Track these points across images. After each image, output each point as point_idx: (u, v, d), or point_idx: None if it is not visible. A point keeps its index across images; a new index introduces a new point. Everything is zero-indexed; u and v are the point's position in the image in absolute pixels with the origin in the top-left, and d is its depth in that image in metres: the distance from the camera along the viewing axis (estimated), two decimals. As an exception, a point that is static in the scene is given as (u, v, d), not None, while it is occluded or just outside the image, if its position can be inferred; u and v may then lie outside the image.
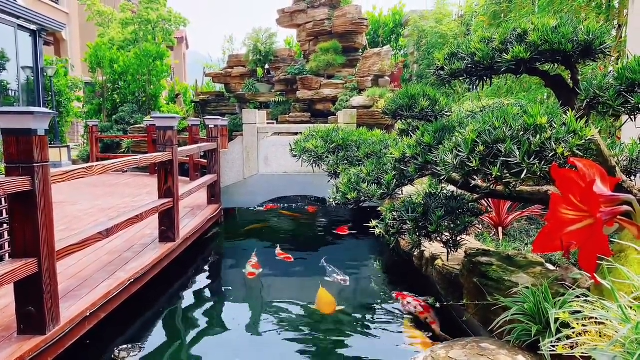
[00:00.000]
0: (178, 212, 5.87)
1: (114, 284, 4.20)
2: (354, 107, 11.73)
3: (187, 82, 25.73)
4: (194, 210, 7.64)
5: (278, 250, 6.93)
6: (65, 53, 20.63)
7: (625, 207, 1.13)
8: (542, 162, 2.49)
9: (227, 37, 30.87)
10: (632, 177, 3.35)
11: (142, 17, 19.18)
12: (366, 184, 3.59)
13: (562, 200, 1.18)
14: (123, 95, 16.10)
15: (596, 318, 2.23)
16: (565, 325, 2.50)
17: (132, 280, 4.46)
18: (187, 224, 6.59)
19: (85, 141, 15.95)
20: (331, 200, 3.77)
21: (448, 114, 4.04)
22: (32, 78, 14.08)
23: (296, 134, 8.28)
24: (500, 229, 5.29)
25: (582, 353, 2.21)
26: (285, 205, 10.83)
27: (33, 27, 13.81)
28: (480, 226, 5.50)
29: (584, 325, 2.31)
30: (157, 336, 4.40)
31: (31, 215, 3.12)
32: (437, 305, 4.23)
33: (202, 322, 4.70)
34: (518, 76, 3.57)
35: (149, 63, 15.96)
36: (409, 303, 4.71)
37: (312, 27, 14.74)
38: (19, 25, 13.22)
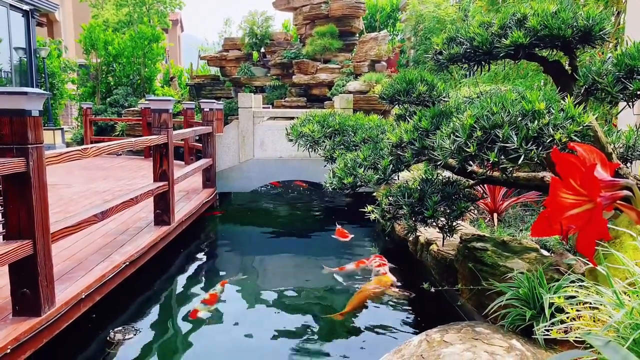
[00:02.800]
0: (173, 195, 5.85)
1: (109, 266, 4.20)
2: (350, 92, 11.68)
3: (182, 65, 25.53)
4: (189, 194, 7.62)
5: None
6: (59, 34, 20.38)
7: (626, 192, 1.13)
8: (540, 148, 2.48)
9: (224, 20, 30.56)
10: (628, 164, 3.36)
11: (137, -2, 18.95)
12: (362, 169, 3.58)
13: (562, 184, 1.18)
14: (117, 77, 15.96)
15: (590, 303, 2.25)
16: (560, 310, 2.53)
17: (127, 263, 4.46)
18: (182, 208, 6.58)
19: (79, 124, 15.84)
20: (327, 185, 3.76)
21: (445, 99, 4.02)
22: (25, 59, 13.92)
23: (292, 118, 8.25)
24: (495, 215, 5.31)
25: (576, 337, 2.23)
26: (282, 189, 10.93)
27: (25, 7, 13.61)
28: (476, 212, 5.52)
29: (578, 310, 2.33)
30: (152, 319, 4.41)
31: (25, 196, 3.10)
32: (432, 290, 4.26)
33: (197, 305, 4.71)
34: (516, 62, 3.55)
35: (144, 45, 15.80)
36: (375, 262, 5.66)
37: (308, 11, 14.61)
38: (11, 5, 13.02)
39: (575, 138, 2.47)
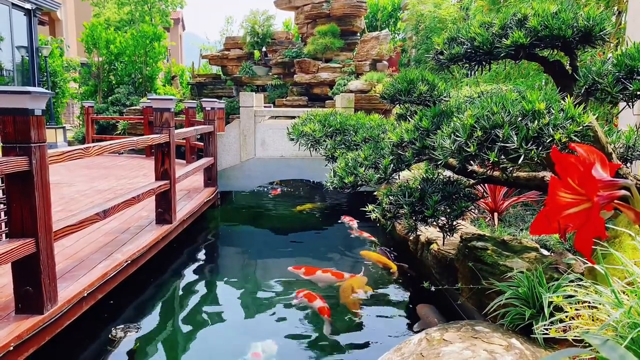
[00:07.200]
0: (174, 194, 5.87)
1: (111, 265, 4.22)
2: (351, 92, 11.69)
3: (183, 64, 25.54)
4: (191, 193, 7.64)
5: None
6: (61, 33, 20.41)
7: (623, 192, 1.14)
8: (540, 148, 2.49)
9: (226, 18, 30.59)
10: (628, 164, 3.37)
11: (138, -3, 18.96)
12: (363, 168, 3.59)
13: (561, 183, 1.19)
14: (119, 76, 15.99)
15: (589, 302, 2.27)
16: (559, 309, 2.54)
17: (129, 261, 4.47)
18: (184, 207, 6.60)
19: (81, 122, 15.86)
20: (328, 184, 3.77)
21: (446, 99, 4.03)
22: (27, 58, 13.93)
23: (293, 117, 8.26)
24: (495, 214, 5.32)
25: (575, 336, 2.25)
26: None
27: (27, 5, 13.62)
28: (476, 211, 5.53)
29: (577, 310, 2.34)
30: (154, 316, 4.43)
31: (28, 195, 3.12)
32: (432, 288, 4.27)
33: (198, 303, 4.73)
34: (517, 62, 3.56)
35: (146, 44, 15.82)
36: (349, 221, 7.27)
37: (310, 10, 14.61)
38: (13, 3, 13.04)
39: (575, 138, 2.48)
